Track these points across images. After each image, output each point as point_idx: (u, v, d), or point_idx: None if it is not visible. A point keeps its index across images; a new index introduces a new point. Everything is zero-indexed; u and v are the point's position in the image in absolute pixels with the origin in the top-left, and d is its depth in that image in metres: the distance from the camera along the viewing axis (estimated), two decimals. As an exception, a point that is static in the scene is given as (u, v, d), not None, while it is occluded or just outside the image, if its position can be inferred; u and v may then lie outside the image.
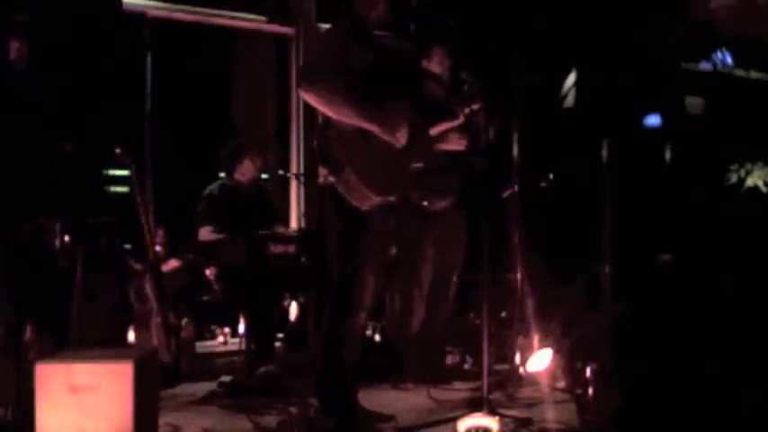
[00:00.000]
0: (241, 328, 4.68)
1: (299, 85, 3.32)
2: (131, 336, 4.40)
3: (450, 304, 4.57)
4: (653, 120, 6.59)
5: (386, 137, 3.34)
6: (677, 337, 3.35)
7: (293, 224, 6.00)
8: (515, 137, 4.48)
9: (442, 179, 4.31)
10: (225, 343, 5.34)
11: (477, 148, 4.30)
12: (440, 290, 4.51)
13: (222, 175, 5.01)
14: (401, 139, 3.39)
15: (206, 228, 4.72)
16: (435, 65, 4.45)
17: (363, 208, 3.31)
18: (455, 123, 4.20)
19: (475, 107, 4.14)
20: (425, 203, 4.34)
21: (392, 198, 3.40)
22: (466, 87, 4.18)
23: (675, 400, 3.01)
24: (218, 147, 4.99)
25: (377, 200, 3.31)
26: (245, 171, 4.86)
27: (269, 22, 6.16)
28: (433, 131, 4.06)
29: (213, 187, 4.89)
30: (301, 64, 3.36)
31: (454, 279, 4.53)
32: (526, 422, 3.50)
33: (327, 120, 3.29)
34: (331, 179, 3.31)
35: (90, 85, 4.47)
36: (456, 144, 4.25)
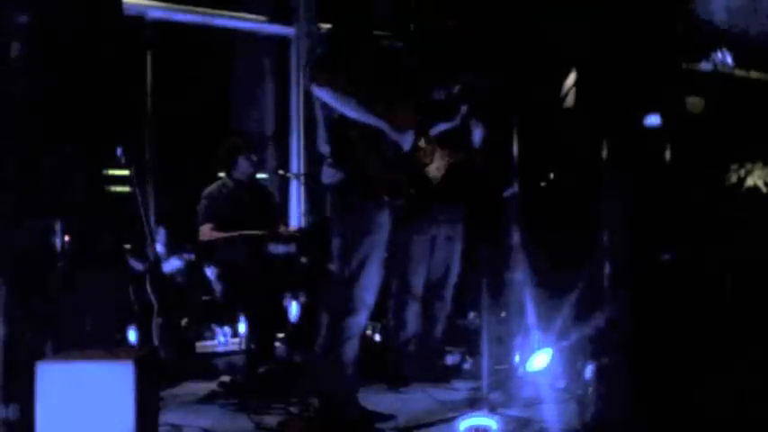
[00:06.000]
0: (241, 328, 4.68)
1: (311, 81, 3.33)
2: (131, 336, 4.40)
3: (448, 307, 4.57)
4: (653, 120, 6.58)
5: (394, 136, 3.37)
6: (677, 337, 3.35)
7: (293, 224, 6.00)
8: (515, 137, 4.48)
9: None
10: (225, 343, 5.34)
11: (472, 148, 4.32)
12: (437, 292, 4.51)
13: (222, 174, 5.01)
14: (408, 140, 3.42)
15: (206, 227, 4.72)
16: None
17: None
18: (452, 124, 4.20)
19: (469, 108, 4.16)
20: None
21: (400, 198, 3.44)
22: (458, 88, 4.19)
23: (674, 400, 3.01)
24: (218, 147, 4.99)
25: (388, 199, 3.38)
26: (242, 169, 4.86)
27: (269, 22, 6.17)
28: (433, 132, 4.08)
29: (213, 187, 4.89)
30: (311, 62, 3.39)
31: (451, 282, 4.54)
32: (526, 422, 3.51)
33: (345, 119, 3.30)
34: (340, 178, 3.33)
35: (90, 85, 4.46)
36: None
